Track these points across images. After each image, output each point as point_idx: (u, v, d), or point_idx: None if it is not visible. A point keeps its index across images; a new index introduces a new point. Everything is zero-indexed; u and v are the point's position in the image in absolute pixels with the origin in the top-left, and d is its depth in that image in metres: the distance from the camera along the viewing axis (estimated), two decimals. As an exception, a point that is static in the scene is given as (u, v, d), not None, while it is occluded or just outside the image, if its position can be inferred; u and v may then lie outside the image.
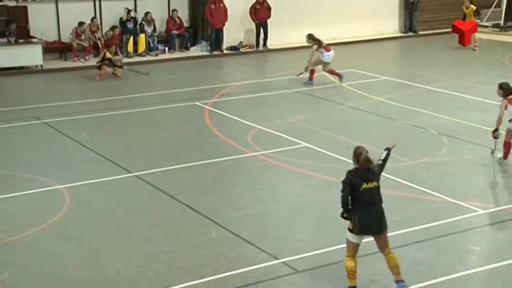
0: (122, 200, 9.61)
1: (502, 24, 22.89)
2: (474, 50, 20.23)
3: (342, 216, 7.10)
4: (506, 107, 10.48)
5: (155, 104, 14.58)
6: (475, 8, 20.36)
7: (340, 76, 16.11)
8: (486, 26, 22.98)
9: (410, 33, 22.86)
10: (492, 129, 10.64)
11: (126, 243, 8.30)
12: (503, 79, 11.65)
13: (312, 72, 16.12)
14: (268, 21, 20.13)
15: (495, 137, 10.64)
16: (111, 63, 16.76)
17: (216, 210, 9.21)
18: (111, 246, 8.23)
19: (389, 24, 22.83)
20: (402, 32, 22.98)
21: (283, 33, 20.39)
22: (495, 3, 23.25)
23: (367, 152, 7.01)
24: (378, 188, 7.05)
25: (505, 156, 10.84)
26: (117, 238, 8.45)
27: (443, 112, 13.71)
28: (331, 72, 16.09)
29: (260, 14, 20.06)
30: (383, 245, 7.10)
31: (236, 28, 20.12)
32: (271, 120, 13.23)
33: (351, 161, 8.26)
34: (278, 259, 7.82)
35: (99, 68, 16.80)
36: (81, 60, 18.48)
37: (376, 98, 14.93)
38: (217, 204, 9.45)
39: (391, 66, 19.40)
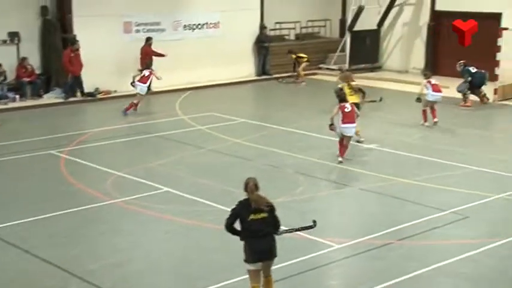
0: (-28, 258, 9.04)
1: (347, 68, 24.33)
2: (297, 83, 22.67)
3: (229, 231, 7.31)
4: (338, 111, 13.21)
5: (7, 155, 13.93)
6: (295, 56, 23.08)
7: (128, 109, 17.51)
8: (333, 69, 24.36)
9: (264, 76, 23.70)
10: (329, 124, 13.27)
11: (-23, 304, 7.82)
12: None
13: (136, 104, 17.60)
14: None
15: (332, 130, 13.34)
16: None
17: (75, 261, 8.92)
18: (-40, 308, 7.71)
19: (246, 67, 23.54)
20: (257, 75, 23.78)
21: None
22: (340, 48, 24.77)
23: (254, 183, 7.22)
24: (268, 219, 7.25)
25: (341, 152, 13.28)
26: (-34, 299, 7.94)
27: (298, 151, 14.28)
28: (132, 104, 17.56)
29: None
30: (267, 269, 7.42)
31: (92, 74, 19.77)
32: (130, 166, 13.09)
33: (213, 204, 8.43)
34: (142, 308, 7.71)
35: None
36: None
37: (234, 140, 15.27)
38: (77, 256, 9.15)
39: (247, 109, 19.94)
